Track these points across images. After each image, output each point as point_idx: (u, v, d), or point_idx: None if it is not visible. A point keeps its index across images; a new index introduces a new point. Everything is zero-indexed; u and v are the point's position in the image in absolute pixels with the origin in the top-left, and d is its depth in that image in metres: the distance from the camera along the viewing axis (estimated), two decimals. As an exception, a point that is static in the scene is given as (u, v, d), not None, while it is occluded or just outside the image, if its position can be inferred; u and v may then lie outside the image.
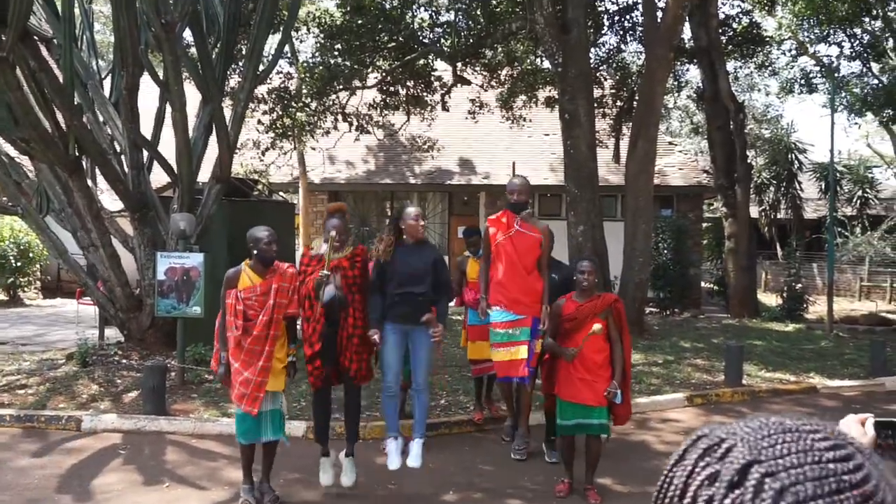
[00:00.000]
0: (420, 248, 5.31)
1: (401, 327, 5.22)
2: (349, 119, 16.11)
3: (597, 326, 5.06)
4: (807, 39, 20.66)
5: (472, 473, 5.95)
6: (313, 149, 18.14)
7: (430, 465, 5.85)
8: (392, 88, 16.07)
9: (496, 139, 20.02)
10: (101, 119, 9.88)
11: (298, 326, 5.36)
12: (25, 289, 16.14)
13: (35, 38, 8.77)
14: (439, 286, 5.27)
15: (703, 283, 20.26)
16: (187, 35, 10.05)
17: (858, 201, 27.00)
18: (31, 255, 15.60)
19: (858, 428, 1.70)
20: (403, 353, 5.33)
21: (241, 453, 5.20)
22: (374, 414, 7.18)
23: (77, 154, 8.91)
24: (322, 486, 5.26)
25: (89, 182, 9.84)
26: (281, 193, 18.95)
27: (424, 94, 16.17)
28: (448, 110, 16.99)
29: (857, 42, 19.92)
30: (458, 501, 5.36)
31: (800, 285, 16.90)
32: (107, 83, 10.45)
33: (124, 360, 9.06)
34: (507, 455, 6.16)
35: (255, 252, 5.06)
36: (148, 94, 11.94)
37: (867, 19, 18.85)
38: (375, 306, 5.20)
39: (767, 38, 18.83)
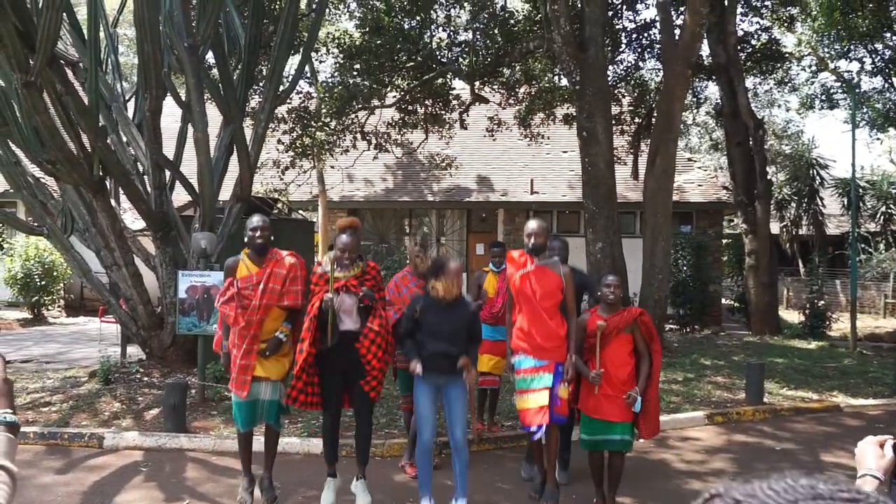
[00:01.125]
0: (455, 306, 5.07)
1: (434, 381, 5.03)
2: (368, 137, 16.25)
3: (600, 323, 5.06)
4: (827, 55, 20.56)
5: (490, 492, 5.94)
6: (332, 167, 18.30)
7: (446, 482, 5.84)
8: (410, 107, 16.20)
9: (514, 157, 20.08)
10: (124, 140, 10.06)
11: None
12: (49, 307, 16.36)
13: (62, 62, 8.96)
14: (472, 339, 5.15)
15: (723, 300, 20.10)
16: (209, 57, 10.22)
17: (882, 217, 26.71)
18: (55, 273, 15.83)
19: (877, 450, 1.70)
20: (437, 407, 5.16)
21: (237, 442, 5.22)
22: (392, 431, 7.19)
23: (101, 175, 9.07)
24: None
25: (112, 202, 10.00)
26: (300, 212, 19.11)
27: (442, 112, 16.29)
28: (466, 128, 17.09)
29: (879, 57, 19.80)
30: (476, 520, 5.34)
31: (822, 302, 16.72)
32: (130, 105, 10.65)
33: (146, 378, 9.15)
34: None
35: (245, 240, 5.12)
36: (170, 115, 12.14)
37: (888, 35, 18.73)
38: (411, 350, 5.03)
39: (787, 55, 18.78)
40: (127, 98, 10.75)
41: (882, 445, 1.70)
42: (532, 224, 5.30)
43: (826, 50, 20.44)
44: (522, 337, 5.27)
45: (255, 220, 5.10)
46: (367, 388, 5.14)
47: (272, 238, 5.17)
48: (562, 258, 6.08)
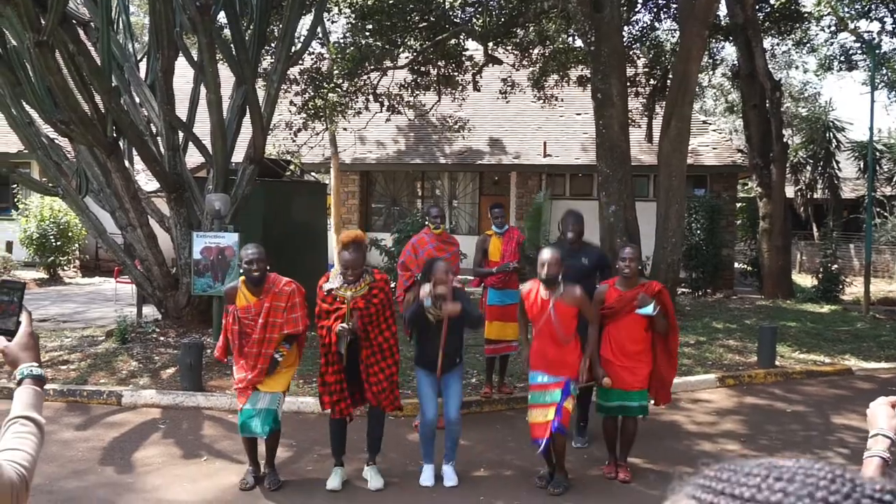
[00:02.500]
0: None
1: (433, 373, 5.35)
2: (380, 99, 16.14)
3: (647, 309, 5.07)
4: (847, 15, 20.11)
5: (503, 451, 6.02)
6: (345, 129, 18.23)
7: (461, 441, 5.92)
8: (423, 68, 16.05)
9: (527, 119, 19.92)
10: (137, 101, 10.04)
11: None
12: (65, 267, 16.51)
13: (73, 21, 8.91)
14: (472, 324, 5.43)
15: (736, 264, 20.04)
16: (221, 17, 10.13)
17: (898, 181, 26.39)
18: (70, 234, 15.95)
19: (889, 410, 1.71)
20: (437, 389, 5.43)
21: (242, 442, 5.32)
22: (405, 392, 7.27)
23: (115, 136, 9.09)
24: (328, 488, 5.20)
25: (126, 163, 10.02)
26: (313, 174, 19.09)
27: (455, 73, 16.13)
28: (479, 90, 16.94)
29: (900, 17, 19.36)
30: (489, 478, 5.43)
31: (836, 266, 16.62)
32: (142, 65, 10.60)
33: (162, 338, 9.27)
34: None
35: (240, 271, 5.08)
36: (182, 77, 12.09)
37: (910, -7, 18.31)
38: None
39: (806, 14, 18.40)
40: (139, 58, 10.70)
41: (894, 406, 1.71)
42: (545, 254, 5.15)
43: (846, 9, 20.01)
44: (535, 357, 5.26)
45: (250, 251, 4.96)
46: (375, 401, 5.18)
47: (268, 268, 5.06)
48: (576, 234, 6.07)
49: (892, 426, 1.66)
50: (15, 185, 16.71)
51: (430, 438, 5.41)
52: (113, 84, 8.75)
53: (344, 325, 4.94)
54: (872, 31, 23.83)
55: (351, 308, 4.95)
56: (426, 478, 5.35)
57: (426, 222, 7.06)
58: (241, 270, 5.04)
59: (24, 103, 9.05)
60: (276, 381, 5.14)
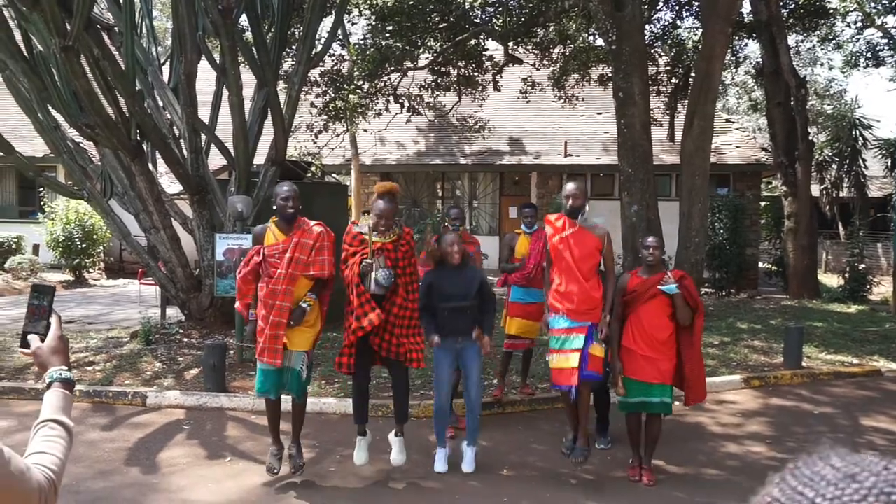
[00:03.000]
0: (462, 269, 5.35)
1: (451, 343, 5.31)
2: (400, 100, 16.16)
3: (669, 287, 5.00)
4: (873, 10, 19.84)
5: (525, 453, 5.99)
6: (365, 130, 18.28)
7: (483, 443, 5.91)
8: (443, 69, 16.05)
9: (548, 118, 19.85)
10: (160, 104, 10.13)
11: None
12: (90, 269, 16.72)
13: (98, 26, 9.01)
14: (485, 300, 5.41)
15: (760, 264, 19.82)
16: (243, 20, 10.20)
17: (927, 179, 25.95)
18: (95, 237, 16.14)
19: None
20: (455, 371, 5.47)
21: (266, 409, 5.29)
22: (427, 393, 7.26)
23: (139, 139, 9.17)
24: (356, 464, 5.27)
25: (150, 166, 10.12)
26: (334, 175, 19.17)
27: (475, 74, 16.11)
28: (499, 90, 16.90)
29: (928, 12, 19.07)
30: (511, 480, 5.40)
31: (863, 265, 16.38)
32: (165, 69, 10.70)
33: (185, 339, 9.34)
34: (561, 436, 6.17)
35: (274, 207, 5.09)
36: (205, 79, 12.18)
37: (938, -12, 18.01)
38: (429, 324, 5.29)
39: (831, 10, 18.17)
40: (162, 62, 10.80)
41: None
42: (570, 186, 5.32)
43: (873, 5, 19.73)
44: (559, 298, 5.30)
45: (285, 188, 5.04)
46: (395, 347, 5.13)
47: (301, 207, 5.13)
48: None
49: None
50: (41, 189, 16.94)
51: (444, 421, 5.48)
52: (137, 88, 8.84)
53: (369, 260, 4.93)
54: (899, 27, 23.46)
55: (376, 249, 4.96)
56: (440, 463, 5.43)
57: (446, 223, 7.08)
58: (276, 207, 5.04)
59: (49, 108, 9.17)
60: (300, 338, 5.06)
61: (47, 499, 1.36)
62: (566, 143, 18.82)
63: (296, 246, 4.98)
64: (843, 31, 22.43)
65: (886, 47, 20.48)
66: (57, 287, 11.85)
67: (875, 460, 0.73)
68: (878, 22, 20.28)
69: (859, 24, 20.65)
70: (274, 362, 4.99)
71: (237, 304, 5.33)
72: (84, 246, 15.99)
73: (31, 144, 15.97)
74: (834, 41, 21.42)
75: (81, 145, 10.65)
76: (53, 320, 1.68)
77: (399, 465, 5.35)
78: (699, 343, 5.41)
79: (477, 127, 17.78)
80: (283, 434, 5.32)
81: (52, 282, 15.52)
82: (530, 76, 16.39)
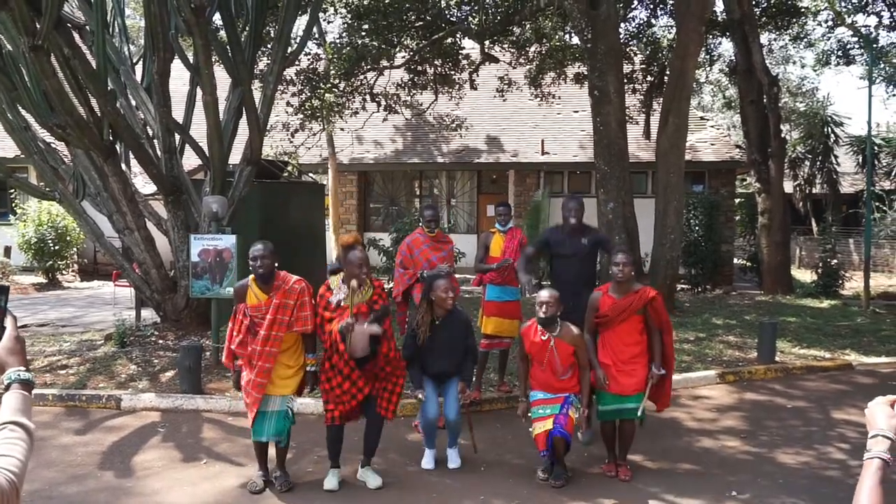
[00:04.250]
0: (451, 318, 5.46)
1: (435, 382, 5.61)
2: (377, 99, 16.13)
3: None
4: (844, 9, 20.09)
5: (503, 450, 6.01)
6: (342, 129, 18.22)
7: (461, 441, 5.91)
8: (420, 67, 16.05)
9: (525, 117, 19.91)
10: (133, 104, 10.03)
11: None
12: (63, 271, 16.50)
13: (68, 25, 8.89)
14: (467, 351, 5.59)
15: (735, 260, 20.03)
16: (217, 19, 10.12)
17: (897, 175, 26.39)
18: (68, 238, 15.94)
19: (888, 409, 1.69)
20: (438, 395, 5.63)
21: (253, 446, 5.28)
22: (404, 392, 7.24)
23: (111, 139, 9.06)
24: (326, 489, 5.18)
25: (123, 166, 10.01)
26: (311, 174, 19.09)
27: (452, 72, 16.12)
28: (476, 88, 16.92)
29: (897, 10, 19.35)
30: (489, 478, 5.42)
31: (835, 261, 16.61)
32: (138, 68, 10.58)
33: (160, 341, 9.26)
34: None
35: (250, 268, 5.03)
36: (179, 78, 12.08)
37: (907, -13, 18.29)
38: (417, 376, 5.48)
39: (803, 9, 18.40)
40: (135, 61, 10.68)
41: (893, 405, 1.69)
42: (544, 294, 5.15)
43: (843, 4, 19.99)
44: (539, 383, 5.29)
45: (258, 248, 4.94)
46: (382, 412, 5.23)
47: (276, 264, 5.04)
48: (578, 220, 6.14)
49: (891, 426, 1.64)
50: (12, 190, 16.71)
51: (432, 433, 5.64)
52: (109, 87, 8.74)
53: (349, 320, 4.85)
54: (870, 26, 23.78)
55: (355, 313, 4.90)
56: (428, 461, 5.59)
57: (420, 223, 7.10)
58: (250, 267, 5.01)
59: (19, 108, 9.04)
60: (285, 384, 5.08)
61: (8, 500, 1.34)
62: (543, 141, 18.90)
63: (277, 308, 4.95)
64: (814, 29, 22.74)
65: (857, 46, 20.77)
66: (29, 290, 11.66)
67: None
68: (849, 20, 20.57)
69: (830, 23, 20.93)
70: (251, 410, 5.04)
71: (223, 359, 5.32)
72: (57, 248, 15.78)
73: (1, 145, 15.75)
74: (805, 40, 21.70)
75: (53, 146, 10.53)
76: (9, 321, 1.65)
77: (378, 487, 5.21)
78: (671, 361, 5.51)
79: (454, 125, 17.79)
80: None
81: (24, 284, 15.31)
82: (507, 75, 16.44)
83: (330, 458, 5.31)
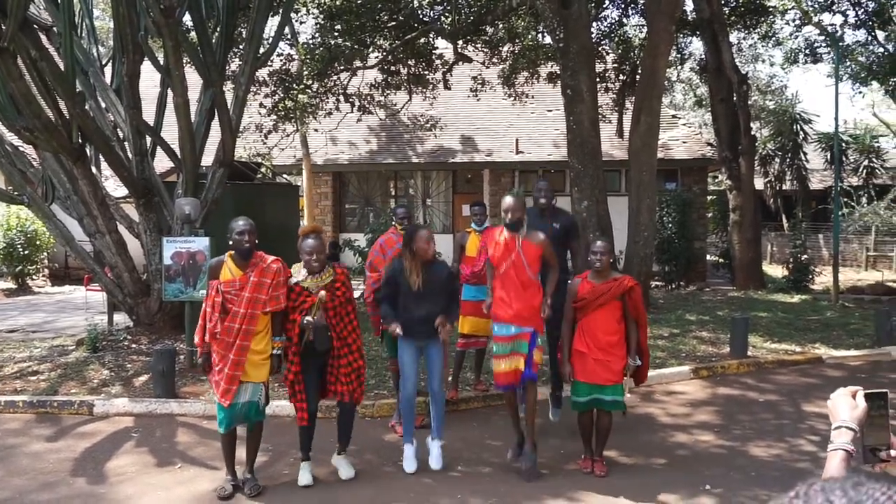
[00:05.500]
0: (432, 266, 5.43)
1: (415, 343, 5.48)
2: (351, 100, 16.07)
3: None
4: (810, 8, 20.40)
5: (480, 449, 6.03)
6: (316, 130, 18.13)
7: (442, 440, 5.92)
8: (393, 68, 16.01)
9: (499, 116, 19.97)
10: (103, 106, 9.91)
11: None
12: (33, 276, 16.25)
13: (35, 26, 8.76)
14: (452, 295, 5.55)
15: (708, 256, 20.26)
16: (187, 20, 10.03)
17: (864, 171, 26.88)
18: (38, 242, 15.70)
19: (850, 401, 1.71)
20: (419, 363, 5.59)
21: (221, 443, 5.23)
22: (381, 392, 7.25)
23: (80, 142, 8.94)
24: (300, 485, 5.22)
25: (94, 169, 9.88)
26: (285, 176, 18.96)
27: (426, 72, 16.11)
28: (450, 88, 16.93)
29: (862, 10, 19.69)
30: (466, 477, 5.43)
31: (805, 256, 16.89)
32: (107, 70, 10.46)
33: (134, 345, 9.16)
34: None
35: (230, 242, 5.03)
36: (149, 80, 11.94)
37: (872, -14, 18.62)
38: (389, 312, 5.37)
39: (770, 8, 18.65)
40: (104, 63, 10.56)
41: (854, 396, 1.70)
42: (508, 200, 5.39)
43: (810, 2, 20.30)
44: (502, 306, 5.35)
45: (241, 223, 4.97)
46: (347, 395, 5.27)
47: (256, 242, 5.07)
48: (548, 199, 6.32)
49: (854, 417, 1.64)
50: (-20, 194, 16.40)
51: (410, 414, 5.56)
52: (77, 89, 8.62)
53: (308, 317, 5.01)
54: (836, 24, 24.17)
55: (316, 302, 5.00)
56: (408, 462, 5.47)
57: (393, 222, 7.08)
58: (231, 242, 4.99)
59: (-15, 110, 8.88)
60: (256, 371, 5.04)
61: None
62: (517, 140, 18.96)
63: (255, 286, 4.95)
64: (782, 28, 23.06)
65: (823, 44, 21.10)
66: (-1, 296, 11.38)
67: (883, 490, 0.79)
68: (815, 19, 20.89)
69: (797, 22, 21.22)
70: (223, 402, 4.96)
71: (196, 339, 5.22)
72: (26, 252, 15.54)
73: (-33, 149, 15.46)
74: (774, 38, 21.96)
75: (20, 149, 10.37)
76: None
77: (350, 478, 5.31)
78: (646, 346, 5.59)
79: (428, 125, 17.78)
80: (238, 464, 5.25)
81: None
82: (480, 74, 16.47)
83: (301, 450, 5.36)
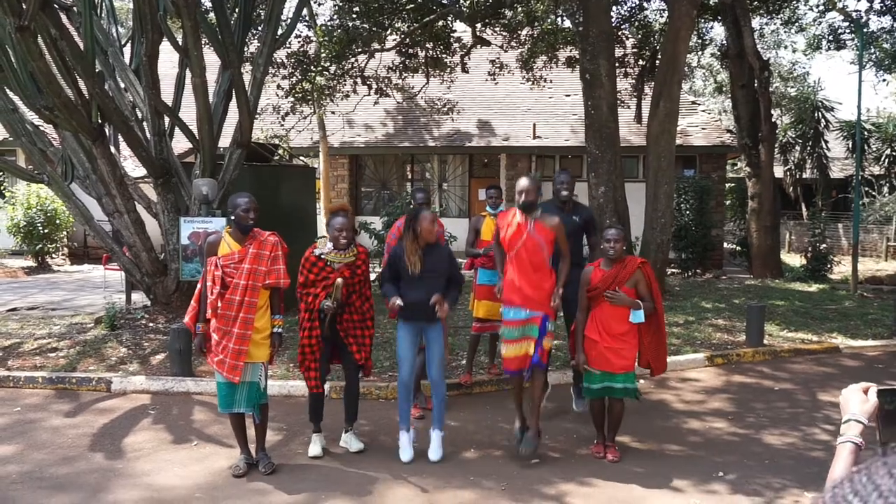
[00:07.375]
0: (434, 248, 5.37)
1: (414, 325, 5.41)
2: (368, 82, 16.04)
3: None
4: (835, -7, 20.08)
5: (492, 432, 6.05)
6: (333, 113, 18.12)
7: (450, 423, 5.95)
8: (411, 51, 15.95)
9: (516, 100, 19.86)
10: (122, 86, 9.95)
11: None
12: (53, 255, 16.42)
13: (55, 5, 8.80)
14: (452, 280, 5.44)
15: (725, 244, 20.13)
16: (206, 0, 10.04)
17: (886, 160, 26.50)
18: (57, 221, 15.84)
19: (861, 395, 1.74)
20: (417, 348, 5.52)
21: (230, 423, 5.29)
22: (395, 374, 7.27)
23: (100, 121, 9.00)
24: (311, 455, 5.35)
25: (112, 149, 9.94)
26: (301, 158, 18.99)
27: (444, 55, 16.04)
28: (468, 72, 16.85)
29: (888, -5, 19.34)
30: (478, 459, 5.46)
31: (824, 245, 16.73)
32: (126, 50, 10.50)
33: (151, 324, 9.25)
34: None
35: (232, 218, 5.06)
36: (168, 61, 11.98)
37: (898, -29, 18.28)
38: (389, 289, 5.31)
39: (794, -7, 18.37)
40: (123, 43, 10.59)
41: (866, 392, 1.74)
42: (523, 181, 5.35)
43: (834, -12, 19.98)
44: (513, 289, 5.33)
45: (244, 200, 4.99)
46: (359, 359, 5.40)
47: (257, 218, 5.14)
48: (569, 191, 6.26)
49: (864, 411, 1.69)
50: (1, 173, 16.57)
51: (407, 398, 5.49)
52: (97, 69, 8.66)
53: (328, 302, 5.11)
54: (860, 10, 23.78)
55: (337, 278, 5.12)
56: (405, 451, 5.38)
57: (412, 206, 7.08)
58: (235, 218, 5.02)
59: (6, 90, 8.96)
60: (259, 350, 5.06)
61: None
62: (535, 125, 18.87)
63: (254, 257, 4.99)
64: (805, 13, 22.68)
65: (847, 31, 20.78)
66: (19, 273, 11.63)
67: None
68: (840, 5, 20.55)
69: (821, 8, 20.89)
70: (232, 379, 4.96)
71: (186, 320, 5.23)
72: (46, 231, 15.69)
73: (-12, 127, 15.60)
74: (797, 24, 21.66)
75: (41, 128, 10.44)
76: None
77: (359, 450, 5.45)
78: (663, 328, 5.55)
79: (445, 109, 17.72)
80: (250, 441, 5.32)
81: (13, 268, 15.24)
82: (498, 58, 16.37)
83: (311, 421, 5.45)
